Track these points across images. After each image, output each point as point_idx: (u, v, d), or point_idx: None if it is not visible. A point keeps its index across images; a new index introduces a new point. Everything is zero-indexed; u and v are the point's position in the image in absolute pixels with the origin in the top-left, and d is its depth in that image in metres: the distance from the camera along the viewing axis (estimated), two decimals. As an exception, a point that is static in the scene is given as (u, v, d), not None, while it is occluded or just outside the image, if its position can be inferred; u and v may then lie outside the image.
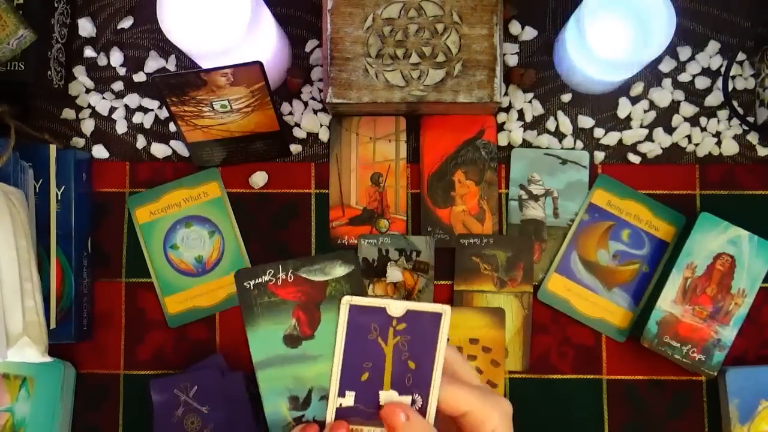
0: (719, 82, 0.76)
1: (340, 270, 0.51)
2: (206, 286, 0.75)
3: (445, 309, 0.49)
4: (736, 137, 0.76)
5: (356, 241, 0.74)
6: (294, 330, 0.51)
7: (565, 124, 0.76)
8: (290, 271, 0.51)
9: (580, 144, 0.76)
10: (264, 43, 0.68)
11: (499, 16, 0.70)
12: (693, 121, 0.76)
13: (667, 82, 0.76)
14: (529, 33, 0.77)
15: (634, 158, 0.76)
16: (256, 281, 0.51)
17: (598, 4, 0.65)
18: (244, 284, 0.51)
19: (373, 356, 0.49)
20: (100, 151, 0.77)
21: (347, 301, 0.50)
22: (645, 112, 0.76)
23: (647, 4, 0.66)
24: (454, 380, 0.49)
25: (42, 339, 0.66)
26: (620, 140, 0.76)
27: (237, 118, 0.70)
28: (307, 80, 0.77)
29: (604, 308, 0.74)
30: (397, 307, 0.49)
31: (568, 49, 0.70)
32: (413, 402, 0.49)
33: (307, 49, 0.77)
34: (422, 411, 0.49)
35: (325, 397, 0.50)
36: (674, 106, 0.76)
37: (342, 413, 0.49)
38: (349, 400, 0.49)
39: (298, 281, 0.51)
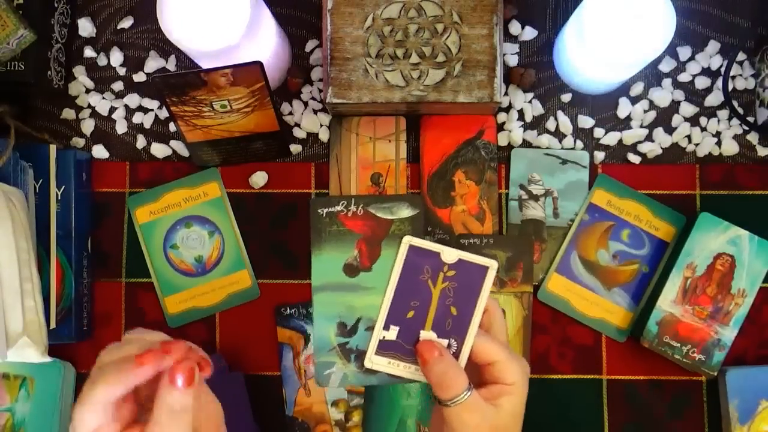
0: (719, 82, 0.76)
1: (406, 212, 0.54)
2: (206, 286, 0.75)
3: (492, 263, 0.54)
4: (736, 137, 0.76)
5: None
6: (355, 260, 0.54)
7: (565, 124, 0.76)
8: (361, 205, 0.55)
9: (580, 144, 0.76)
10: (264, 43, 0.68)
11: (499, 16, 0.70)
12: (693, 121, 0.76)
13: (667, 82, 0.76)
14: (529, 33, 0.77)
15: (634, 158, 0.76)
16: (329, 209, 0.54)
17: (598, 4, 0.65)
18: (318, 211, 0.54)
19: (421, 296, 0.53)
20: (100, 151, 0.77)
21: (408, 240, 0.54)
22: (645, 112, 0.76)
23: (647, 4, 0.66)
24: (487, 333, 0.53)
25: (42, 339, 0.66)
26: (620, 140, 0.76)
27: (237, 118, 0.70)
28: (307, 80, 0.77)
29: (604, 308, 0.74)
30: (450, 254, 0.53)
31: (568, 49, 0.70)
32: (449, 345, 0.53)
33: (307, 49, 0.77)
34: (455, 355, 0.53)
35: (370, 328, 0.54)
36: (674, 106, 0.76)
37: (384, 346, 0.53)
38: (392, 334, 0.53)
39: (367, 216, 0.54)
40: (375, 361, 0.53)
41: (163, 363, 0.45)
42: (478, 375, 0.53)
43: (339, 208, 0.54)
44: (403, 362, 0.53)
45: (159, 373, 0.45)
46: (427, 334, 0.53)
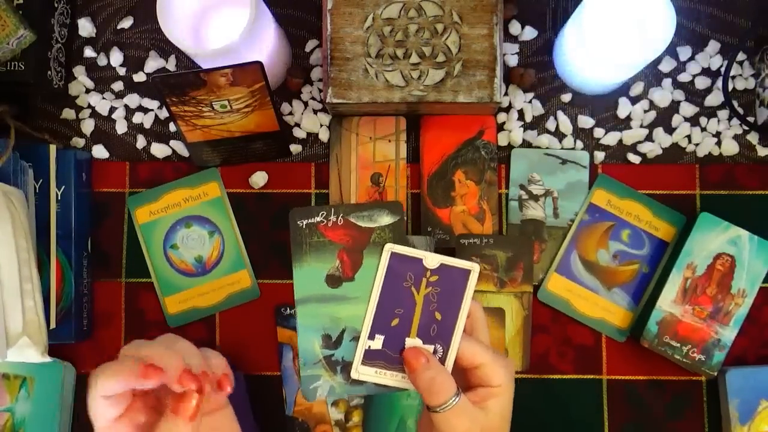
0: (719, 82, 0.76)
1: (386, 219, 0.54)
2: (206, 286, 0.75)
3: (474, 266, 0.53)
4: (736, 137, 0.76)
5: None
6: (337, 271, 0.54)
7: (565, 124, 0.76)
8: (341, 214, 0.54)
9: (580, 144, 0.76)
10: (264, 43, 0.68)
11: (499, 16, 0.70)
12: (693, 121, 0.76)
13: (667, 82, 0.76)
14: (529, 33, 0.77)
15: (634, 158, 0.76)
16: (309, 221, 0.54)
17: (598, 4, 0.65)
18: (297, 222, 0.54)
19: (405, 304, 0.53)
20: (100, 151, 0.77)
21: (389, 248, 0.54)
22: (645, 112, 0.76)
23: (647, 4, 0.66)
24: (471, 337, 0.53)
25: (42, 339, 0.66)
26: (620, 140, 0.76)
27: (237, 118, 0.70)
28: (307, 80, 0.77)
29: (604, 308, 0.74)
30: (432, 260, 0.53)
31: (568, 49, 0.70)
32: (435, 351, 0.53)
33: (307, 49, 0.77)
34: (442, 360, 0.53)
35: (356, 339, 0.53)
36: (674, 106, 0.76)
37: (370, 355, 0.53)
38: (378, 343, 0.53)
39: (347, 225, 0.54)
40: (362, 372, 0.53)
41: (165, 379, 0.45)
42: (464, 378, 0.53)
43: (318, 218, 0.54)
44: (390, 371, 0.53)
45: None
46: (412, 341, 0.53)
